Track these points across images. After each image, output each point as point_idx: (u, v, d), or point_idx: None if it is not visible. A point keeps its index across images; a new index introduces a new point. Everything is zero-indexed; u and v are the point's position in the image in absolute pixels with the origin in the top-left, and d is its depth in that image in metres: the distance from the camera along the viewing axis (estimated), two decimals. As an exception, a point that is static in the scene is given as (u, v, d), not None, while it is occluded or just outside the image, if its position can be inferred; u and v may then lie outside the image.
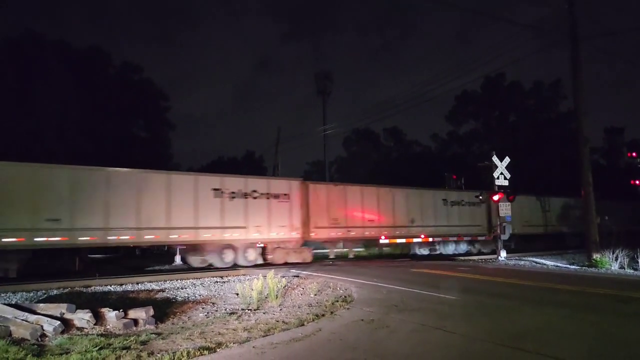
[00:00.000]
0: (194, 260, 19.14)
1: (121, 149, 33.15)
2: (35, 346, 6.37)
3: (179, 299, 11.01)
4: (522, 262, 20.12)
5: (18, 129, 28.31)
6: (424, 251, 26.51)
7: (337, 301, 9.60)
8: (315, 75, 45.62)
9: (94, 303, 9.31)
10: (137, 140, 37.86)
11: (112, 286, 13.06)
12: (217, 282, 13.89)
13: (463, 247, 27.59)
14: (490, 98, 50.33)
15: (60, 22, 77.28)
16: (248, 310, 9.08)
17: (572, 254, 23.35)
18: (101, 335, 7.02)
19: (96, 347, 6.17)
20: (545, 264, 19.28)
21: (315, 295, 10.77)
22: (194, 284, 13.57)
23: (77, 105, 31.93)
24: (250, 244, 19.69)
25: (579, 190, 20.13)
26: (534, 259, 21.33)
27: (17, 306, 7.87)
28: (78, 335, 7.04)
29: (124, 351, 6.04)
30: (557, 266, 18.68)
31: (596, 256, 18.32)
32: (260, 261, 19.86)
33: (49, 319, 7.22)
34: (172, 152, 43.01)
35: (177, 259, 20.50)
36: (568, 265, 18.91)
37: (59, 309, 7.67)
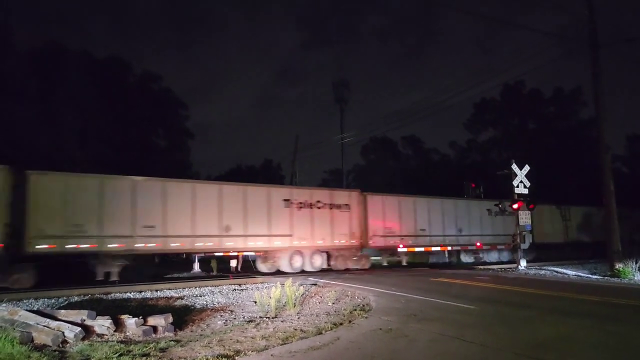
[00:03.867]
0: None
1: (141, 157, 33.59)
2: (57, 352, 6.45)
3: (198, 306, 11.07)
4: (543, 272, 19.81)
5: (40, 138, 28.84)
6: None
7: (355, 310, 9.56)
8: (332, 84, 45.92)
9: (114, 310, 9.39)
10: (156, 149, 38.37)
11: (132, 293, 13.22)
12: (235, 290, 13.95)
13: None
14: (509, 106, 49.95)
15: (81, 32, 78.80)
16: (266, 318, 9.09)
17: (594, 264, 22.94)
18: (121, 342, 7.08)
19: (116, 353, 6.23)
20: (566, 274, 18.97)
21: (333, 303, 10.74)
22: (212, 291, 13.66)
23: (97, 115, 32.53)
24: None
25: (600, 199, 19.81)
26: (555, 269, 20.99)
27: (39, 312, 7.98)
28: (98, 341, 7.12)
29: (143, 358, 6.12)
30: (578, 276, 18.36)
31: (619, 266, 17.98)
32: None
33: (70, 325, 7.30)
34: (191, 160, 43.69)
35: (196, 266, 20.65)
36: (590, 275, 18.57)
37: (80, 315, 7.76)
